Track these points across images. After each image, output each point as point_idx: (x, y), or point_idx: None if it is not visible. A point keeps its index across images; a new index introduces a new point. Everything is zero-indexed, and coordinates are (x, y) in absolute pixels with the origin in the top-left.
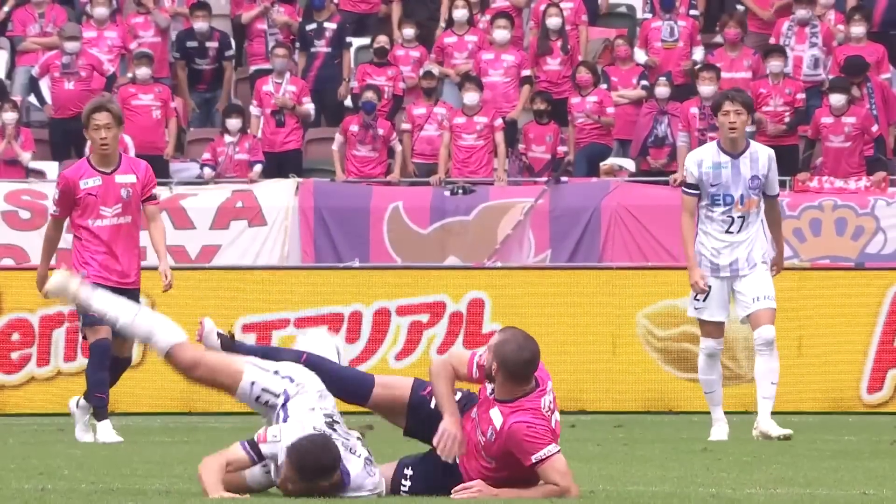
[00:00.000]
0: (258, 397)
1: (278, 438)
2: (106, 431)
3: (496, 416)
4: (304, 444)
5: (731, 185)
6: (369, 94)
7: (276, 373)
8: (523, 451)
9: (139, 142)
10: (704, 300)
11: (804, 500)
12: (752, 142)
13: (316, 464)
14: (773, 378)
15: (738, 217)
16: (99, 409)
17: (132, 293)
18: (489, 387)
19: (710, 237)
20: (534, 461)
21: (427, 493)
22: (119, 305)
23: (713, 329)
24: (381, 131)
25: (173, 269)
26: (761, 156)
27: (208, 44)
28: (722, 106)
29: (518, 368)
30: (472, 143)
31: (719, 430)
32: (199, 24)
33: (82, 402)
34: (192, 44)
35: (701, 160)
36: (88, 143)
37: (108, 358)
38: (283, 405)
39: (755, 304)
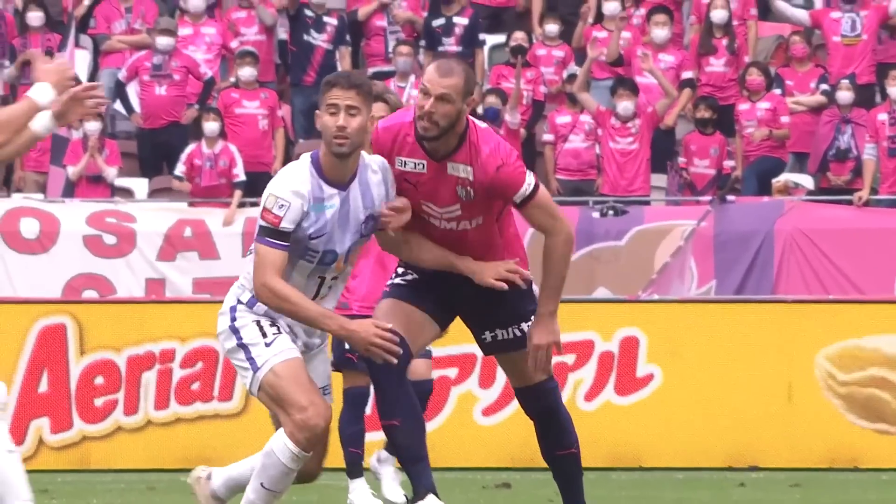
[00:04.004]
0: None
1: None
2: (360, 492)
3: (461, 169)
4: None
5: None
6: (492, 100)
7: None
8: (504, 194)
9: (244, 156)
10: None
11: None
12: None
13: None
14: None
15: None
16: (352, 465)
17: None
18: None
19: None
20: (516, 201)
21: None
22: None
23: None
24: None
25: None
26: None
27: (326, 18)
28: None
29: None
30: (626, 147)
31: None
32: None
33: (383, 453)
34: (309, 13)
35: None
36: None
37: (364, 407)
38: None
39: None
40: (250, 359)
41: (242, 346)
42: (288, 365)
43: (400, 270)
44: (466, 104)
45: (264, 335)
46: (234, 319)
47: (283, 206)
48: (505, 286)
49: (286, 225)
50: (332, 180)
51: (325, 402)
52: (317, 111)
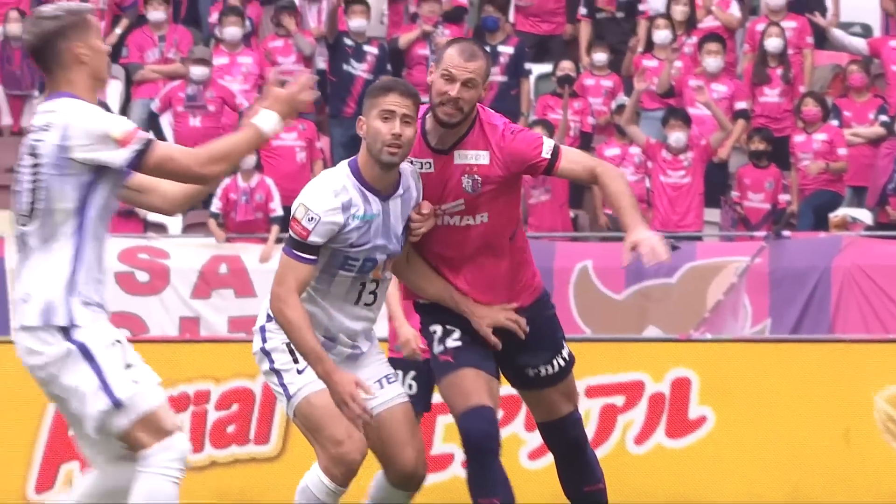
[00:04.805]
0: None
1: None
2: None
3: (471, 156)
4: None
5: None
6: (538, 131)
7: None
8: (528, 157)
9: (281, 190)
10: None
11: None
12: None
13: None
14: None
15: None
16: None
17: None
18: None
19: None
20: (547, 157)
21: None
22: None
23: None
24: None
25: None
26: None
27: (366, 48)
28: None
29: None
30: (677, 180)
31: None
32: (357, 22)
33: None
34: (349, 42)
35: None
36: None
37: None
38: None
39: None
40: (283, 385)
41: (275, 371)
42: (323, 394)
43: (439, 330)
44: (484, 89)
45: (296, 360)
46: (264, 340)
47: (312, 218)
48: (500, 346)
49: (315, 238)
50: (376, 189)
51: (361, 435)
52: (360, 117)
